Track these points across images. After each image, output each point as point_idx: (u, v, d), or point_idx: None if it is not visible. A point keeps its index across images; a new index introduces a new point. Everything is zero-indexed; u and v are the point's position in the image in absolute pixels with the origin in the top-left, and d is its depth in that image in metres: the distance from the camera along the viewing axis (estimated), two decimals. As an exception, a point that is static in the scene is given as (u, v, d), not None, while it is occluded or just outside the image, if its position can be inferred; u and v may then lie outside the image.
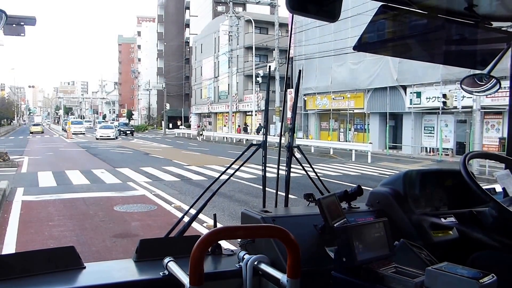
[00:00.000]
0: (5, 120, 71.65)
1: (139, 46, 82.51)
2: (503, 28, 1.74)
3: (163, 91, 54.47)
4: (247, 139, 29.93)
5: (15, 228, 6.88)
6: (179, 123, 46.84)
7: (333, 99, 26.41)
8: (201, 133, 37.66)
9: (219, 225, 1.21)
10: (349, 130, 26.86)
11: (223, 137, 34.39)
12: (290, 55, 24.80)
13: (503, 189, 1.62)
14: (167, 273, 1.34)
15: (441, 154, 19.42)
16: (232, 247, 1.77)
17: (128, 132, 46.46)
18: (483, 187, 1.50)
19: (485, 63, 1.76)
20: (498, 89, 1.75)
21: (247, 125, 38.05)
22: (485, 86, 1.76)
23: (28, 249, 1.49)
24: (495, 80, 1.73)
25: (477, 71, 1.81)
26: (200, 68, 50.21)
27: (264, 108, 2.03)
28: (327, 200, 1.48)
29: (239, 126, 39.00)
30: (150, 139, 39.40)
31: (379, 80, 22.72)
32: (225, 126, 41.02)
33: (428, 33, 1.71)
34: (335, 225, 1.42)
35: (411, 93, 21.18)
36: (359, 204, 1.77)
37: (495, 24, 1.63)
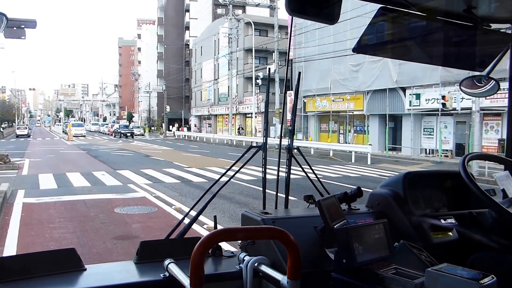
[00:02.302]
0: (6, 122, 71.68)
1: (139, 49, 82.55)
2: (501, 30, 1.75)
3: (163, 94, 54.51)
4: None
5: (16, 230, 6.87)
6: (176, 125, 47.45)
7: (333, 101, 26.44)
8: (162, 132, 46.80)
9: (219, 227, 1.21)
10: (349, 132, 26.87)
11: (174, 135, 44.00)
12: (290, 57, 24.88)
13: (503, 190, 1.62)
14: (167, 275, 1.34)
15: (441, 156, 19.42)
16: (233, 249, 1.78)
17: (129, 134, 46.58)
18: (483, 188, 1.50)
19: (484, 64, 1.76)
20: (497, 90, 1.75)
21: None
22: (484, 87, 1.76)
23: (29, 251, 1.49)
24: (494, 82, 1.73)
25: (476, 73, 1.81)
26: (200, 70, 50.26)
27: (264, 110, 2.03)
28: (327, 202, 1.49)
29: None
30: (150, 141, 39.41)
31: (379, 82, 22.75)
32: (174, 126, 50.38)
33: (427, 35, 1.72)
34: (335, 226, 1.42)
35: (410, 94, 21.20)
36: (359, 205, 1.77)
37: (494, 26, 1.64)
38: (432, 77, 19.37)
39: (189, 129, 49.95)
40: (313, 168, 2.04)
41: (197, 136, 41.62)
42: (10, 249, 5.81)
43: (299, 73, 2.94)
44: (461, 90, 1.84)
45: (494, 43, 1.74)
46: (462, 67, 2.00)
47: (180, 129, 46.61)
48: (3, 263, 1.37)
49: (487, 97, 12.65)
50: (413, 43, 1.78)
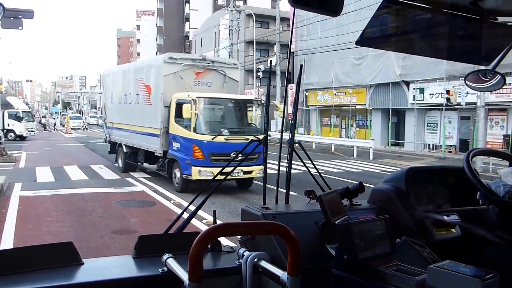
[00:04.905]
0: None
1: (138, 40, 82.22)
2: (508, 23, 1.72)
3: (163, 86, 54.27)
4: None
5: (12, 224, 6.86)
6: None
7: (335, 94, 26.39)
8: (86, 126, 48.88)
9: (218, 222, 1.20)
10: (351, 127, 26.84)
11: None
12: (292, 50, 24.77)
13: None
14: (166, 269, 1.33)
15: (444, 151, 19.42)
16: (232, 244, 1.76)
17: None
18: (487, 185, 1.48)
19: (490, 58, 1.73)
20: (503, 85, 1.72)
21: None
22: (490, 82, 1.73)
23: (26, 245, 1.48)
24: (500, 76, 1.71)
25: (482, 67, 1.78)
26: (200, 63, 50.06)
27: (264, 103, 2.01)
28: (328, 197, 1.47)
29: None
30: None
31: (382, 75, 22.66)
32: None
33: (432, 28, 1.69)
34: (336, 222, 1.41)
35: (414, 89, 21.13)
36: (361, 201, 1.76)
37: (501, 19, 1.61)
38: (437, 71, 19.29)
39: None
40: (314, 163, 2.02)
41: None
42: (7, 243, 5.80)
43: (301, 66, 2.92)
44: (466, 84, 1.82)
45: (500, 37, 1.71)
46: (467, 61, 1.97)
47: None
48: (0, 256, 1.35)
49: (493, 92, 12.62)
50: (417, 36, 1.75)
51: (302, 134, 26.98)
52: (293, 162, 1.87)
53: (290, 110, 18.99)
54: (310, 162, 1.98)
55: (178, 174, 9.99)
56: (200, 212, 1.94)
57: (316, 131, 28.78)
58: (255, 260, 1.34)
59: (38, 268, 1.34)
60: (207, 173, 9.17)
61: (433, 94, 20.39)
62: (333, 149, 21.56)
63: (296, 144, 1.92)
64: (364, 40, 1.67)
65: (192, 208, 1.86)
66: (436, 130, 21.14)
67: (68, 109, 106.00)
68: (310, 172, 1.98)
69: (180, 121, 9.76)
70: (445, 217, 1.62)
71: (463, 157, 1.52)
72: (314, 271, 1.34)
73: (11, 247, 5.16)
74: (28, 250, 1.39)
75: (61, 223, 7.03)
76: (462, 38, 1.74)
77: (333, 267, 1.28)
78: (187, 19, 60.16)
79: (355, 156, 19.46)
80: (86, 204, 8.51)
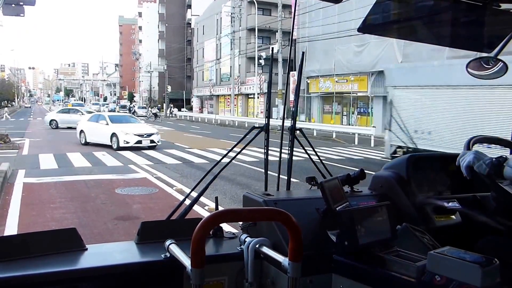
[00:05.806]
0: (5, 101, 71.57)
1: (140, 27, 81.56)
2: (511, 11, 1.70)
3: (164, 73, 54.17)
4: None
5: (16, 210, 6.89)
6: (171, 105, 47.54)
7: (336, 82, 26.24)
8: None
9: (220, 208, 1.20)
10: (352, 114, 26.74)
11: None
12: (293, 37, 24.60)
13: None
14: (168, 255, 1.35)
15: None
16: (234, 230, 1.78)
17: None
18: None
19: (493, 46, 1.72)
20: (505, 72, 1.71)
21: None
22: (492, 69, 1.72)
23: (30, 231, 1.49)
24: (502, 64, 1.69)
25: (484, 54, 1.77)
26: (202, 50, 49.81)
27: (266, 91, 2.01)
28: (330, 184, 1.48)
29: None
30: (151, 122, 39.34)
31: (383, 62, 22.47)
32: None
33: (435, 14, 1.67)
34: (337, 208, 1.42)
35: (416, 76, 20.95)
36: (362, 188, 1.77)
37: (504, 6, 1.59)
38: (438, 58, 19.09)
39: (191, 109, 49.89)
40: (315, 150, 2.02)
41: (198, 117, 41.51)
42: (11, 229, 5.83)
43: (303, 53, 2.91)
44: (468, 72, 1.80)
45: (503, 24, 1.69)
46: (469, 48, 1.96)
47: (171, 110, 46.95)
48: (5, 242, 1.37)
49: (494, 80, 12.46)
50: (420, 23, 1.73)
51: (303, 121, 26.92)
52: (294, 149, 1.87)
53: (292, 97, 18.89)
54: (311, 149, 1.98)
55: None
56: (202, 199, 1.94)
57: (318, 118, 28.71)
58: (257, 246, 1.35)
59: (42, 253, 1.35)
60: None
61: (435, 81, 20.20)
62: (334, 136, 21.51)
63: (298, 131, 1.92)
64: (367, 27, 1.65)
65: (194, 194, 1.87)
66: (439, 117, 21.00)
67: (70, 96, 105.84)
68: (311, 159, 1.99)
69: None
70: (446, 204, 1.63)
71: (464, 145, 1.52)
72: (315, 257, 1.35)
73: (16, 233, 5.21)
74: (32, 236, 1.41)
75: (64, 209, 7.08)
76: (464, 25, 1.72)
77: (334, 253, 1.30)
78: (189, 6, 59.54)
79: (356, 143, 19.42)
80: (89, 191, 8.55)
